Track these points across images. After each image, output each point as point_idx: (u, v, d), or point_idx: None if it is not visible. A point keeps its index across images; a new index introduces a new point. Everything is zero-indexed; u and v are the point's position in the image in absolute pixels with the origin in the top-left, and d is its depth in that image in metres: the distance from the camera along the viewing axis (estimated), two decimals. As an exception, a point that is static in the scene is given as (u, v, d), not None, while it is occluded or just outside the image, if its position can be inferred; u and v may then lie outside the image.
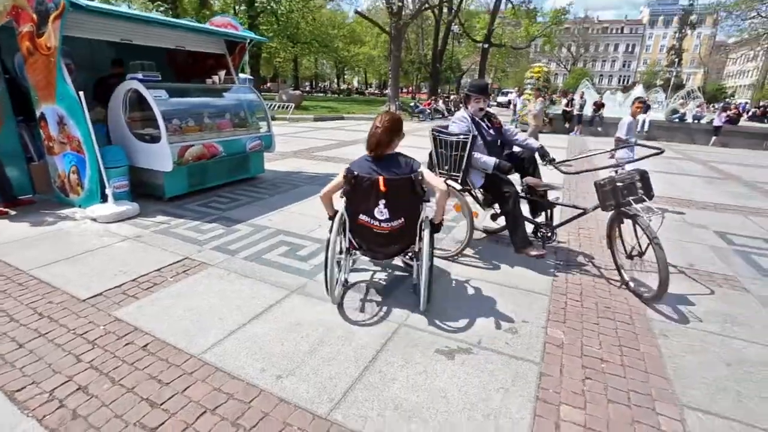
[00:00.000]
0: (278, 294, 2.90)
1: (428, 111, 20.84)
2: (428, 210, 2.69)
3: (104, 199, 4.49)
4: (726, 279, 3.46)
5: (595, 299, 2.99)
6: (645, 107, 15.53)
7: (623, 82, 66.03)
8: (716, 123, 14.91)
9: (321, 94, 50.78)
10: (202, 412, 1.84)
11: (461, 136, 3.28)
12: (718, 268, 3.69)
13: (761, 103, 34.66)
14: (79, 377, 2.03)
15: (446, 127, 3.57)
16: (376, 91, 49.64)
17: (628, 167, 3.54)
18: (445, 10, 28.19)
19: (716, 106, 22.85)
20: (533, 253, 3.32)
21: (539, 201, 3.59)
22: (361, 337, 2.42)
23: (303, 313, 2.66)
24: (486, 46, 33.39)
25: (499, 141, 3.64)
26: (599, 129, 15.99)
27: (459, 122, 3.50)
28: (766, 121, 22.33)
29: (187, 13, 23.40)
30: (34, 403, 1.87)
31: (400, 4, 19.59)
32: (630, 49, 73.88)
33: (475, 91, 3.52)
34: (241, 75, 18.70)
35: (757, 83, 52.01)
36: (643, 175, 2.92)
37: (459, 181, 3.42)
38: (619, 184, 2.96)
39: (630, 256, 3.09)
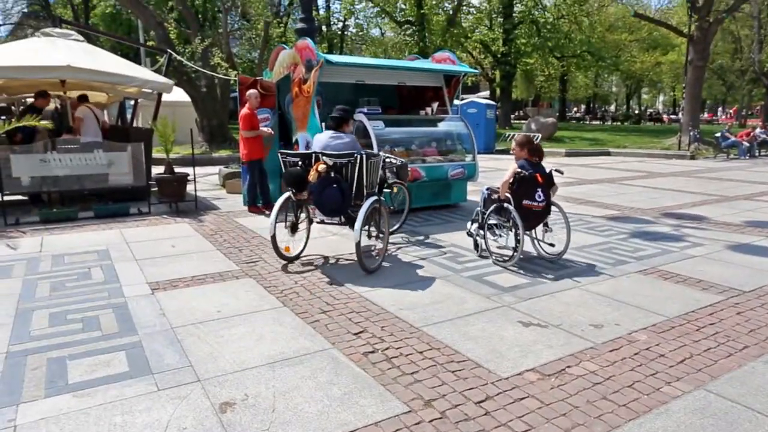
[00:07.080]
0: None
1: (745, 145, 19.49)
2: None
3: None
4: None
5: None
6: None
7: None
8: None
9: (597, 122, 51.63)
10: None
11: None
12: None
13: None
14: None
15: None
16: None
17: None
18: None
19: None
20: None
21: None
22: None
23: (438, 287, 4.80)
24: None
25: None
26: None
27: None
28: None
29: (432, 34, 29.65)
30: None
31: (708, -6, 19.77)
32: None
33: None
34: (481, 101, 22.33)
35: None
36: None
37: None
38: None
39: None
